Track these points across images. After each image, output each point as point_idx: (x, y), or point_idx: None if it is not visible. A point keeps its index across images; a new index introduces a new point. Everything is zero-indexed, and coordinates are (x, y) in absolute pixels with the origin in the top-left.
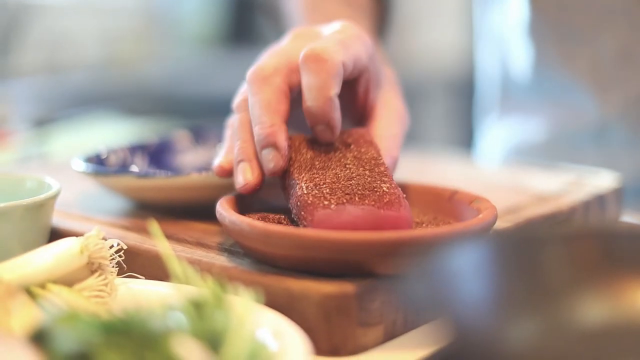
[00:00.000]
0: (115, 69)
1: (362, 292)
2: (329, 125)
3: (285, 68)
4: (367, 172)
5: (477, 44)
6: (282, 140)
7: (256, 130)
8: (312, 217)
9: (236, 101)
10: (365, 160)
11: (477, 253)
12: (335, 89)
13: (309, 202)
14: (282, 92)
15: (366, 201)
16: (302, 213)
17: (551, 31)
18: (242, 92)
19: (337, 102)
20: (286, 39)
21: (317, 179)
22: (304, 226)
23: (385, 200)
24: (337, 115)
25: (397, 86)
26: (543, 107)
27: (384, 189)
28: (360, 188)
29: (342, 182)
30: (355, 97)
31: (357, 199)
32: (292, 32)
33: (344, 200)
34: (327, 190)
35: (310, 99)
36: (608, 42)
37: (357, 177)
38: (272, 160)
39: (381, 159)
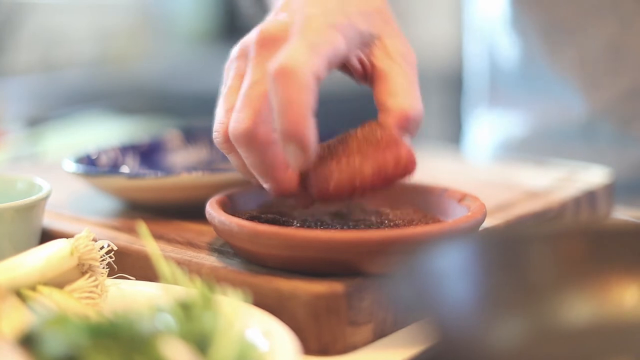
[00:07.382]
0: (109, 66)
1: (352, 292)
2: (302, 145)
3: None
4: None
5: (466, 37)
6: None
7: None
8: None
9: None
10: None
11: (464, 252)
12: (306, 106)
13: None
14: None
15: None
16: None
17: (536, 24)
18: None
19: (310, 121)
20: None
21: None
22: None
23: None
24: (309, 134)
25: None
26: (530, 101)
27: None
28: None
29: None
30: (355, 69)
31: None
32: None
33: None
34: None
35: (280, 118)
36: (596, 36)
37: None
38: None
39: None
